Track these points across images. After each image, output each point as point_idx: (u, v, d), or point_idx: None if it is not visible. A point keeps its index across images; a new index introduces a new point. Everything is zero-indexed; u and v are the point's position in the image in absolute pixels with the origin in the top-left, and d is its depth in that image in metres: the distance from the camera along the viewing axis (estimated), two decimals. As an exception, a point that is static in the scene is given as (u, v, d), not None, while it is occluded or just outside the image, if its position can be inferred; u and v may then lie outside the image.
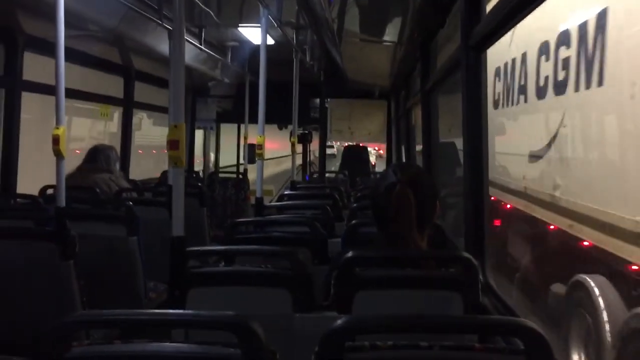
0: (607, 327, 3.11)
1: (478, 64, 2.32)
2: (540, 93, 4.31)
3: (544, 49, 4.17)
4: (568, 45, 3.72)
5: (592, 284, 3.32)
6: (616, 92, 3.17)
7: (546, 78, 4.15)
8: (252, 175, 6.49)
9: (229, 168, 9.58)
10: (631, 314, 2.97)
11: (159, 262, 3.10)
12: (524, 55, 4.65)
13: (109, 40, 4.91)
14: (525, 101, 4.69)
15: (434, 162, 4.46)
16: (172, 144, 2.09)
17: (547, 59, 4.09)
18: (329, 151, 13.20)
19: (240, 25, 5.49)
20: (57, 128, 2.79)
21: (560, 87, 3.87)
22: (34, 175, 4.35)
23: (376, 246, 2.07)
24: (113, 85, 5.81)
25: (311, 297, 1.95)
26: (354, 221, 2.79)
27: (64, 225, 2.71)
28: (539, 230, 4.39)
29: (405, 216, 1.93)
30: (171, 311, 1.30)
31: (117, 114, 6.25)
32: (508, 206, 5.11)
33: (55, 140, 2.77)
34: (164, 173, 5.89)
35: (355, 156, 9.49)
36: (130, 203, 3.48)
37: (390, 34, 4.53)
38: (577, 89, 3.60)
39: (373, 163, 15.00)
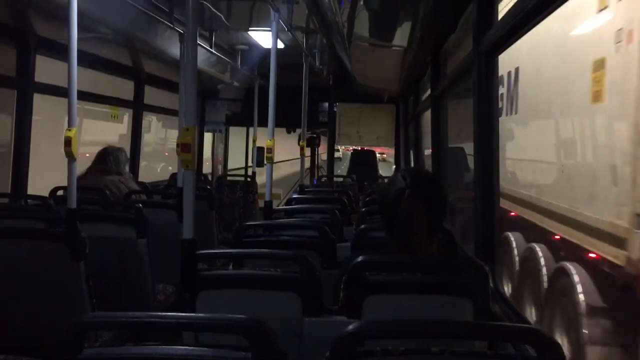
0: (516, 254, 5.15)
1: (490, 69, 2.32)
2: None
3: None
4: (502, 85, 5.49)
5: (511, 236, 5.34)
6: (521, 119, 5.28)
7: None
8: (260, 179, 6.49)
9: (237, 171, 9.60)
10: (525, 247, 4.89)
11: (168, 264, 3.11)
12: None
13: (120, 42, 4.94)
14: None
15: (443, 167, 4.45)
16: (183, 147, 2.09)
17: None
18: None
19: (250, 29, 5.51)
20: (69, 130, 2.80)
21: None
22: (44, 176, 4.38)
23: (386, 251, 2.07)
24: (123, 88, 5.84)
25: (320, 301, 1.94)
26: (362, 226, 2.79)
27: (75, 227, 2.72)
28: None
29: (414, 221, 1.93)
30: (183, 314, 1.30)
31: (125, 116, 6.28)
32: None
33: (67, 142, 2.78)
34: (173, 175, 5.90)
35: (363, 160, 9.48)
36: (140, 205, 3.50)
37: (400, 39, 4.52)
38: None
39: None
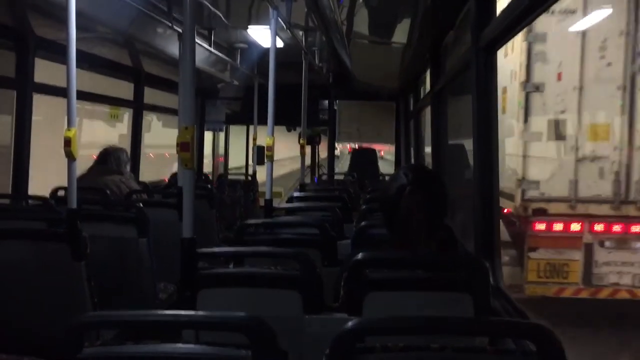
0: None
1: (488, 65, 2.31)
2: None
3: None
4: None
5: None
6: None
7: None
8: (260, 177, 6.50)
9: (238, 169, 9.61)
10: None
11: (169, 263, 3.12)
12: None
13: (119, 42, 4.95)
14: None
15: (443, 164, 4.45)
16: (183, 146, 2.10)
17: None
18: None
19: (249, 27, 5.51)
20: (69, 130, 2.80)
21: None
22: (43, 176, 4.39)
23: (386, 248, 2.07)
24: (122, 87, 5.84)
25: (321, 299, 1.95)
26: (363, 223, 2.79)
27: (76, 227, 2.72)
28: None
29: (415, 218, 1.93)
30: (183, 312, 1.30)
31: (125, 116, 6.29)
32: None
33: (67, 142, 2.78)
34: (174, 175, 5.91)
35: (364, 158, 9.47)
36: (141, 204, 3.50)
37: (400, 36, 4.52)
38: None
39: None
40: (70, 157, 2.81)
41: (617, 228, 5.82)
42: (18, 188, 3.99)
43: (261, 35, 5.65)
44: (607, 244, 5.89)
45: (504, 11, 2.02)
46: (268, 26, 3.88)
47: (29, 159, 4.06)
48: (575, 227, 5.88)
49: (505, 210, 6.16)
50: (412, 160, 7.35)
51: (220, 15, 4.84)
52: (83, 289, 2.69)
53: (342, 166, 13.25)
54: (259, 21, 5.22)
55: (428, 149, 6.18)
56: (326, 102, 8.40)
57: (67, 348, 1.21)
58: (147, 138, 6.53)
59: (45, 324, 2.62)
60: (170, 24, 4.29)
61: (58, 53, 3.70)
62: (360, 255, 1.78)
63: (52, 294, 2.72)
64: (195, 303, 1.91)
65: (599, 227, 5.85)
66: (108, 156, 4.42)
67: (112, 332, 2.40)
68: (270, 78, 3.85)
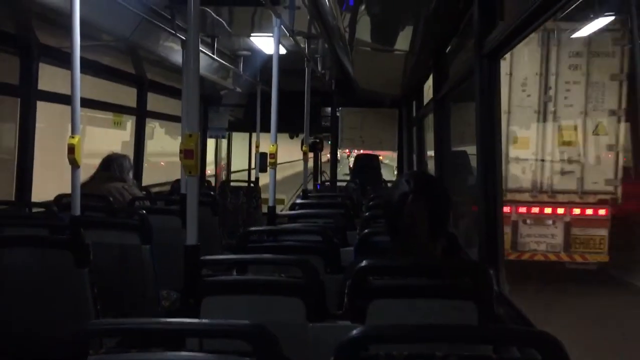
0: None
1: (492, 72, 2.32)
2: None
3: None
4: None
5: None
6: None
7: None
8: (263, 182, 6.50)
9: (240, 176, 9.61)
10: None
11: (171, 270, 3.12)
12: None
13: (122, 50, 4.96)
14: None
15: (446, 171, 4.45)
16: (187, 153, 2.10)
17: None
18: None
19: (252, 34, 5.52)
20: (73, 137, 2.81)
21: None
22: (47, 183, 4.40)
23: (390, 255, 2.07)
24: (124, 95, 5.86)
25: (324, 306, 1.94)
26: (366, 230, 2.78)
27: (79, 234, 2.72)
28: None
29: (418, 225, 1.93)
30: (187, 320, 1.30)
31: (128, 123, 6.30)
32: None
33: (71, 149, 2.79)
34: (176, 181, 5.91)
35: (367, 165, 9.46)
36: (144, 211, 3.50)
37: (402, 43, 4.53)
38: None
39: None
40: (74, 164, 2.81)
41: (535, 210, 7.81)
42: (21, 195, 3.99)
43: (264, 42, 5.67)
44: (528, 221, 7.83)
45: (507, 19, 2.02)
46: (271, 34, 3.89)
47: (33, 165, 4.08)
48: (506, 209, 7.42)
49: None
50: (415, 167, 7.35)
51: (224, 23, 4.86)
52: (86, 296, 2.69)
53: (342, 170, 13.24)
54: (261, 29, 5.23)
55: (430, 154, 6.23)
56: (329, 109, 8.40)
57: (71, 355, 1.21)
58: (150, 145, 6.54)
59: (48, 331, 2.62)
60: (173, 32, 4.31)
61: (62, 60, 3.72)
62: (363, 263, 1.78)
63: (55, 301, 2.72)
64: (198, 310, 1.91)
65: (522, 210, 7.83)
66: (111, 163, 4.43)
67: (115, 340, 2.40)
68: (273, 85, 3.86)
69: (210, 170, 9.04)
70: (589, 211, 7.42)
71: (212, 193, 5.60)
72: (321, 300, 1.93)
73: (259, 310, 1.91)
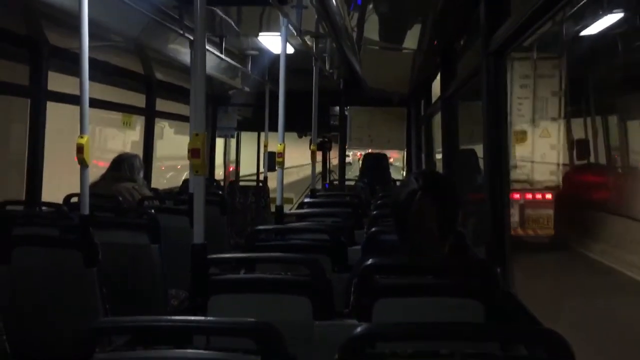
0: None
1: (498, 69, 2.31)
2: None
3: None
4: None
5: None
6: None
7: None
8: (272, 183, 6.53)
9: (249, 176, 9.64)
10: None
11: (180, 269, 3.13)
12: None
13: (131, 50, 4.99)
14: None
15: (454, 170, 4.43)
16: (194, 153, 2.11)
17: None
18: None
19: (260, 34, 5.53)
20: (81, 137, 2.83)
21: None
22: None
23: (397, 253, 2.07)
24: (131, 95, 5.89)
25: (331, 305, 1.95)
26: (373, 229, 2.79)
27: (88, 233, 2.75)
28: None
29: (426, 223, 1.92)
30: (193, 317, 1.31)
31: (132, 122, 6.33)
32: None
33: (80, 149, 2.81)
34: (185, 181, 5.94)
35: (375, 164, 9.46)
36: (153, 211, 3.52)
37: (410, 42, 4.52)
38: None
39: None
40: (83, 164, 2.83)
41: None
42: (32, 195, 4.03)
43: (272, 42, 5.68)
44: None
45: (514, 16, 2.02)
46: (279, 33, 3.90)
47: (43, 166, 4.11)
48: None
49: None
50: (423, 166, 7.34)
51: (232, 22, 4.87)
52: (95, 295, 2.71)
53: (353, 173, 13.25)
54: (269, 28, 5.24)
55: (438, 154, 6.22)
56: (337, 108, 8.40)
57: (79, 353, 1.22)
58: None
59: (57, 329, 2.64)
60: (181, 32, 4.33)
61: (71, 61, 3.75)
62: (370, 261, 1.78)
63: (64, 299, 2.74)
64: (206, 309, 1.92)
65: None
66: (121, 163, 4.45)
67: (123, 338, 2.42)
68: (280, 84, 3.87)
69: (219, 170, 9.07)
70: (539, 196, 9.00)
71: (220, 192, 5.62)
72: (328, 298, 1.93)
73: (266, 308, 1.92)
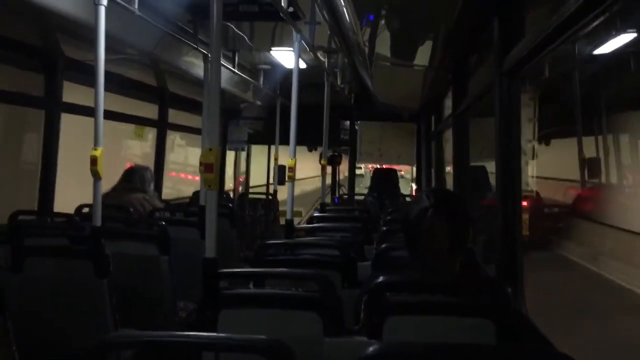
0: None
1: (512, 89, 2.31)
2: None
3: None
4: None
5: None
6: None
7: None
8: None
9: (258, 189, 9.65)
10: None
11: (189, 281, 3.13)
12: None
13: (145, 63, 5.04)
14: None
15: (465, 186, 4.42)
16: (207, 167, 2.12)
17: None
18: (356, 172, 13.67)
19: (272, 49, 5.57)
20: (95, 149, 2.85)
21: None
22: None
23: (408, 270, 2.06)
24: (146, 107, 5.93)
25: (341, 321, 1.94)
26: (384, 245, 2.78)
27: (99, 244, 2.76)
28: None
29: (437, 240, 1.92)
30: (204, 334, 1.31)
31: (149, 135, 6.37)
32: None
33: (93, 161, 2.84)
34: (195, 193, 5.96)
35: (385, 178, 9.46)
36: (163, 223, 3.54)
37: (421, 58, 4.54)
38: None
39: None
40: (96, 176, 2.85)
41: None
42: (44, 205, 4.06)
43: (284, 56, 5.72)
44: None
45: (527, 36, 2.02)
46: (291, 48, 3.92)
47: (55, 176, 4.14)
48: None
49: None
50: (433, 182, 7.33)
51: (245, 37, 4.91)
52: (105, 306, 2.72)
53: (365, 184, 13.29)
54: (282, 43, 5.28)
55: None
56: (347, 122, 8.42)
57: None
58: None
59: (67, 340, 2.65)
60: (195, 46, 4.37)
61: (86, 73, 3.80)
62: (381, 279, 1.77)
63: (74, 310, 2.75)
64: (216, 323, 1.92)
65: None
66: (133, 174, 4.49)
67: (131, 351, 2.42)
68: (292, 99, 3.89)
69: (228, 182, 9.09)
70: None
71: (230, 205, 5.63)
72: (338, 315, 1.93)
73: (275, 323, 1.92)
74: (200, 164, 2.17)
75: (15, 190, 4.43)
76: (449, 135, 5.46)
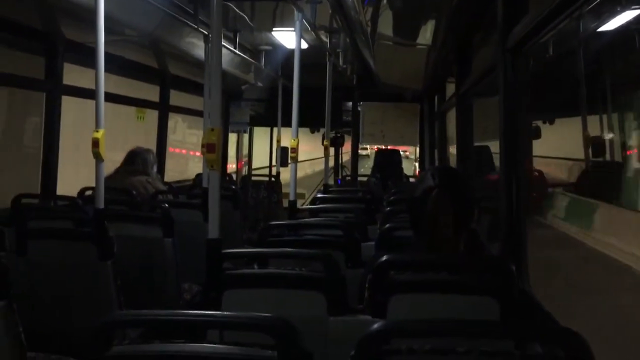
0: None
1: (516, 66, 2.29)
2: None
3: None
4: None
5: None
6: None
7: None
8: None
9: (261, 171, 9.66)
10: None
11: (193, 263, 3.14)
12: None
13: (145, 45, 5.00)
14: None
15: (468, 166, 4.41)
16: (209, 147, 2.11)
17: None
18: (362, 152, 13.70)
19: (274, 29, 5.53)
20: (97, 131, 2.85)
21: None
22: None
23: (412, 249, 2.06)
24: (147, 89, 5.91)
25: (345, 301, 1.94)
26: (387, 225, 2.78)
27: (103, 227, 2.76)
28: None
29: (441, 219, 1.92)
30: (209, 312, 1.31)
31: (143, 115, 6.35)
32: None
33: (95, 143, 2.83)
34: (198, 176, 5.95)
35: (388, 159, 9.44)
36: (166, 205, 3.54)
37: (424, 37, 4.49)
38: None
39: None
40: (98, 157, 2.85)
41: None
42: (47, 188, 4.06)
43: (286, 37, 5.67)
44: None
45: (532, 12, 1.99)
46: (293, 28, 3.89)
47: (58, 159, 4.14)
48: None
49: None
50: (437, 162, 7.31)
51: (246, 17, 4.87)
52: (109, 288, 2.73)
53: (370, 164, 13.37)
54: (283, 23, 5.24)
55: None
56: (350, 103, 8.38)
57: (95, 346, 1.23)
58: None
59: (72, 323, 2.66)
60: (196, 27, 4.33)
61: (86, 55, 3.77)
62: (384, 257, 1.77)
63: (79, 292, 2.76)
64: (220, 303, 1.93)
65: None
66: (135, 157, 4.48)
67: (137, 331, 2.43)
68: (294, 80, 3.86)
69: (231, 164, 9.09)
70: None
71: (233, 187, 5.63)
72: (342, 294, 1.93)
73: (280, 303, 1.92)
74: (203, 145, 2.16)
75: (18, 173, 4.43)
76: (452, 115, 5.43)
